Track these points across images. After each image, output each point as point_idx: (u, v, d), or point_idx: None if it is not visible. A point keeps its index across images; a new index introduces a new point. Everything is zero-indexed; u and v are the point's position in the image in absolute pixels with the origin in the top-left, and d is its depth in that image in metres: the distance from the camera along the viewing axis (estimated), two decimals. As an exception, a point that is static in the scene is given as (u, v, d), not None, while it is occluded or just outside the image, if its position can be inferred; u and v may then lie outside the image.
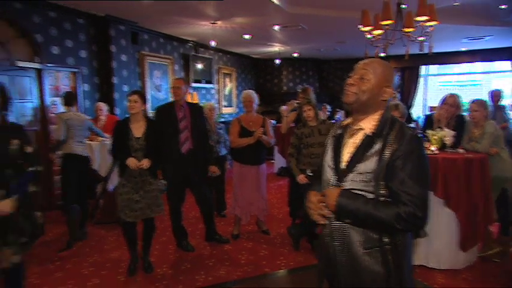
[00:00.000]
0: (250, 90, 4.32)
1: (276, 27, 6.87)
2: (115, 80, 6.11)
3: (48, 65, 5.26)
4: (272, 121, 4.74)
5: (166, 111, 3.78)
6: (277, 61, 10.06)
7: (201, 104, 5.42)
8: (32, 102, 5.14)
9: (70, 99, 4.23)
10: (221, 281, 3.27)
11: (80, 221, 4.18)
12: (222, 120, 7.72)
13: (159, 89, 7.44)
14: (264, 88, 11.20)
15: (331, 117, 8.08)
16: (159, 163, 3.37)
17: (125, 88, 6.24)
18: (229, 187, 4.55)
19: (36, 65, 5.12)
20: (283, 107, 9.32)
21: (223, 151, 4.92)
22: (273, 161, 8.04)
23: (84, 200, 4.29)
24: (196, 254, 3.84)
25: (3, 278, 2.40)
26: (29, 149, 2.47)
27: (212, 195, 4.30)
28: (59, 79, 5.48)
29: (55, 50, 5.39)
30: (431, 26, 4.04)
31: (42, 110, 5.23)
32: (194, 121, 3.78)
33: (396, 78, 1.94)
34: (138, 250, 3.49)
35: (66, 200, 4.14)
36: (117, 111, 6.08)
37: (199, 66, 8.52)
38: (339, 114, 7.66)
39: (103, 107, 5.38)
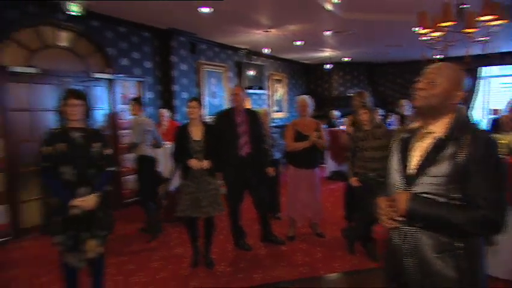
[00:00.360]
0: (305, 96, 4.35)
1: (329, 33, 6.84)
2: (175, 88, 6.45)
3: (118, 75, 5.68)
4: (323, 125, 4.75)
5: (225, 116, 3.92)
6: (328, 66, 9.97)
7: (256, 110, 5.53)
8: (103, 109, 5.56)
9: (139, 105, 4.54)
10: (278, 281, 3.31)
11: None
12: (273, 125, 7.80)
13: (214, 95, 7.70)
14: (314, 93, 11.13)
15: (383, 121, 7.85)
16: (218, 164, 3.51)
17: (185, 95, 6.55)
18: (283, 190, 4.59)
19: (108, 76, 5.56)
20: (335, 112, 9.21)
21: (277, 154, 4.98)
22: (324, 165, 7.95)
23: (155, 198, 4.60)
24: (253, 253, 3.92)
25: (88, 266, 2.64)
26: (108, 151, 2.70)
27: (270, 197, 4.37)
28: (127, 88, 5.89)
29: (124, 61, 5.81)
30: (498, 25, 3.80)
31: (113, 116, 5.64)
32: (252, 126, 3.89)
33: (469, 81, 1.80)
34: (199, 247, 3.65)
35: (143, 198, 4.46)
36: (177, 116, 6.38)
37: (252, 73, 8.69)
38: (392, 119, 7.40)
39: (165, 113, 5.68)
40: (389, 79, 11.51)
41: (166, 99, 6.45)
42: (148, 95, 6.20)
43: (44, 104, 4.78)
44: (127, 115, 5.64)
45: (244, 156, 3.81)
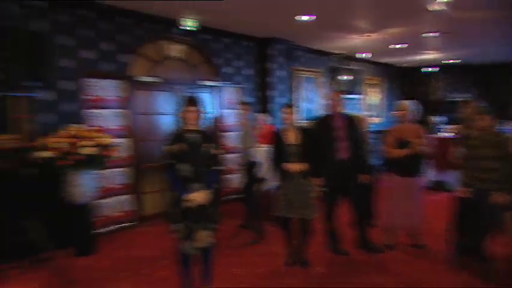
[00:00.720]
0: (406, 101, 4.13)
1: (433, 34, 6.31)
2: (273, 93, 6.64)
3: (222, 82, 6.07)
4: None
5: (324, 121, 3.89)
6: (429, 69, 9.20)
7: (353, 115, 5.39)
8: (209, 113, 5.98)
9: (249, 108, 4.76)
10: (378, 288, 3.17)
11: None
12: (369, 130, 7.49)
13: (309, 100, 7.71)
14: (412, 97, 10.36)
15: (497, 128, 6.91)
16: (314, 168, 3.50)
17: (281, 100, 6.69)
18: (381, 197, 4.36)
19: (214, 83, 5.97)
20: (434, 118, 8.46)
21: (374, 160, 4.77)
22: (425, 174, 7.32)
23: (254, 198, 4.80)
24: (350, 258, 3.82)
25: (200, 254, 2.87)
26: (217, 152, 2.91)
27: (366, 203, 4.21)
28: (230, 94, 6.25)
29: (228, 69, 6.19)
30: None
31: (217, 120, 6.04)
32: (350, 131, 3.80)
33: None
34: (294, 247, 3.67)
35: (248, 197, 4.71)
36: (274, 121, 6.54)
37: (347, 77, 8.48)
38: (509, 126, 6.46)
39: (263, 117, 5.85)
40: (500, 81, 10.12)
41: (264, 104, 6.67)
42: (248, 101, 6.49)
43: (160, 109, 5.34)
44: (230, 119, 6.00)
45: (342, 161, 3.73)
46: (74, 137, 3.75)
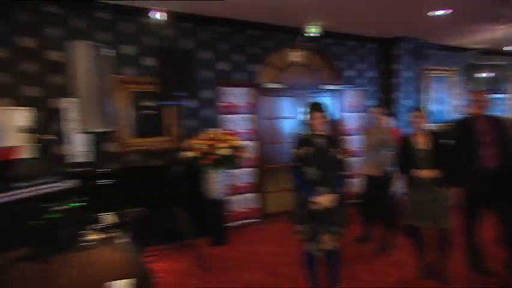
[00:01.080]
0: None
1: None
2: (398, 95, 6.19)
3: (345, 85, 5.94)
4: None
5: (464, 124, 3.45)
6: None
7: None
8: (331, 117, 5.91)
9: (385, 112, 4.52)
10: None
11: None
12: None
13: (439, 102, 6.93)
14: None
15: None
16: (450, 176, 3.13)
17: (409, 102, 6.19)
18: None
19: (335, 87, 5.89)
20: None
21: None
22: None
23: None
24: (495, 281, 3.28)
25: (325, 256, 2.87)
26: (342, 157, 2.86)
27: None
28: (351, 97, 6.08)
29: (350, 73, 6.03)
30: None
31: (338, 123, 5.95)
32: (498, 135, 3.27)
33: None
34: (427, 258, 3.35)
35: (371, 203, 4.48)
36: (400, 124, 6.08)
37: (487, 74, 7.33)
38: None
39: (387, 120, 5.47)
40: None
41: (388, 107, 6.26)
42: (371, 103, 6.20)
43: (282, 113, 5.53)
44: (351, 122, 5.83)
45: (488, 169, 3.23)
46: (212, 139, 4.19)
